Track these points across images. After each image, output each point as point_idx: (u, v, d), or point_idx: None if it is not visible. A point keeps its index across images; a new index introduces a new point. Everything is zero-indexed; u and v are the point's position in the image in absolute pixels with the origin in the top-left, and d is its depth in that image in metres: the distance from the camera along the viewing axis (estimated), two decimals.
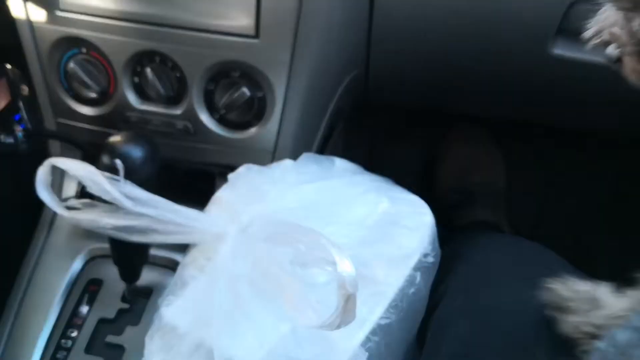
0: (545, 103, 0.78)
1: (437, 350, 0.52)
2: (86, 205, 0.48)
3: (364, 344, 0.45)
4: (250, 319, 0.44)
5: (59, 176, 0.69)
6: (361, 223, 0.51)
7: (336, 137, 0.83)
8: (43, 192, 0.48)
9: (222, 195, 0.54)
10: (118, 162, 0.49)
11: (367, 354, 0.45)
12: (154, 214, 0.46)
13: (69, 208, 0.49)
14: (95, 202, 0.48)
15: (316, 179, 0.54)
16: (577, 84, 0.70)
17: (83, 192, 0.69)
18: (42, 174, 0.48)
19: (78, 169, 0.47)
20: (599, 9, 0.59)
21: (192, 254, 0.52)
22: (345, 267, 0.37)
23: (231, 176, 0.56)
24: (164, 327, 0.47)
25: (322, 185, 0.53)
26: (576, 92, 0.72)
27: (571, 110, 0.80)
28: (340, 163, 0.58)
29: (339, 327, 0.38)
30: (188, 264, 0.51)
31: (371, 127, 1.10)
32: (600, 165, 1.09)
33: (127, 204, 0.45)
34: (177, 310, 0.47)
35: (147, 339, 0.49)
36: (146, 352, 0.48)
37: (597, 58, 0.64)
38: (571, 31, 0.63)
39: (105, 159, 0.51)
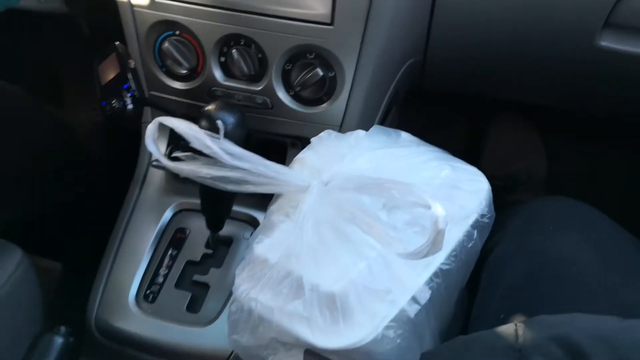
0: (591, 93, 0.84)
1: (494, 286, 0.58)
2: (188, 158, 0.55)
3: (427, 283, 0.52)
4: (332, 255, 0.51)
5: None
6: (427, 185, 0.57)
7: (391, 118, 0.90)
8: (151, 145, 0.54)
9: (305, 156, 0.62)
10: (220, 122, 0.56)
11: (430, 291, 0.52)
12: (247, 167, 0.53)
13: (173, 159, 0.56)
14: (196, 155, 0.55)
15: (386, 146, 0.62)
16: (622, 75, 0.75)
17: (171, 154, 0.79)
18: (151, 129, 0.55)
19: (184, 127, 0.54)
20: None
21: (279, 203, 0.59)
22: (438, 208, 0.45)
23: (314, 139, 0.63)
24: (255, 259, 0.55)
25: (392, 152, 0.60)
26: (621, 84, 0.77)
27: (615, 101, 0.85)
28: (406, 135, 0.66)
29: (426, 256, 0.45)
30: (275, 211, 0.59)
31: (423, 110, 1.17)
32: None
33: (225, 157, 0.53)
34: (267, 246, 0.55)
35: (237, 271, 0.57)
36: (237, 280, 0.56)
37: None
38: (619, 24, 0.68)
39: (204, 123, 0.59)
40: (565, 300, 0.52)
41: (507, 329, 0.42)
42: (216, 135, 0.55)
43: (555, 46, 0.73)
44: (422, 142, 0.65)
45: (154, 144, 0.55)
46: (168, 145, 0.79)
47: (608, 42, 0.69)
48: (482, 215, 0.58)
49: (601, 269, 0.55)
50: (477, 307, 0.59)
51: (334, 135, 0.64)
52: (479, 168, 1.11)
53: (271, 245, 0.55)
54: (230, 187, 0.55)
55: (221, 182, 0.55)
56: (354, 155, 0.59)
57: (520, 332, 0.41)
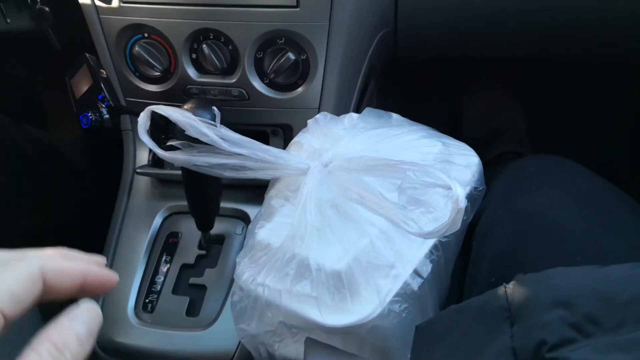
0: (558, 39, 0.83)
1: (483, 252, 0.59)
2: (184, 146, 0.54)
3: (428, 257, 0.53)
4: (336, 234, 0.52)
5: (133, 146, 0.79)
6: (423, 160, 0.58)
7: (370, 94, 0.90)
8: (144, 135, 0.53)
9: (301, 139, 0.62)
10: (215, 109, 0.55)
11: (431, 264, 0.53)
12: (246, 153, 0.53)
13: (166, 149, 0.54)
14: (191, 144, 0.54)
15: (379, 127, 0.62)
16: (585, 17, 0.75)
17: (155, 160, 0.79)
18: (143, 119, 0.53)
19: (178, 115, 0.52)
20: None
21: (277, 188, 0.59)
22: (457, 187, 0.45)
23: (310, 121, 0.63)
24: (257, 245, 0.55)
25: (386, 132, 0.61)
26: (588, 26, 0.77)
27: (583, 44, 0.85)
28: (397, 116, 0.66)
29: (445, 234, 0.45)
30: (274, 196, 0.59)
31: (402, 82, 1.18)
32: (621, 95, 1.15)
33: (223, 144, 0.52)
34: (269, 231, 0.55)
35: (238, 259, 0.56)
36: (239, 268, 0.55)
37: None
38: None
39: None
40: (551, 257, 0.53)
41: (496, 291, 0.43)
42: (212, 123, 0.54)
43: None
44: (413, 122, 0.66)
45: (147, 134, 0.54)
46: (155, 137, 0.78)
47: None
48: (475, 188, 0.59)
49: (583, 222, 0.56)
50: (470, 275, 0.60)
51: (329, 117, 0.64)
52: (461, 129, 1.14)
53: (273, 229, 0.55)
54: (228, 174, 0.55)
55: (219, 169, 0.54)
56: (351, 136, 0.59)
57: (509, 292, 0.42)
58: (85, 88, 0.67)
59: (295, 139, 0.63)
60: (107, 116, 0.66)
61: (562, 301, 0.39)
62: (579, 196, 0.59)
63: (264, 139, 0.77)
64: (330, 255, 0.51)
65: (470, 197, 0.59)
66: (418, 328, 0.48)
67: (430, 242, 0.54)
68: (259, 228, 0.56)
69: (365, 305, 0.50)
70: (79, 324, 0.31)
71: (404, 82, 1.19)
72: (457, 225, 0.45)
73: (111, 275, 0.35)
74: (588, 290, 0.39)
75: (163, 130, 0.60)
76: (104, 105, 0.66)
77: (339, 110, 0.74)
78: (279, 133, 0.76)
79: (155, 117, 0.55)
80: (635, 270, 0.40)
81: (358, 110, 0.83)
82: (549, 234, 0.56)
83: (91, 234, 0.79)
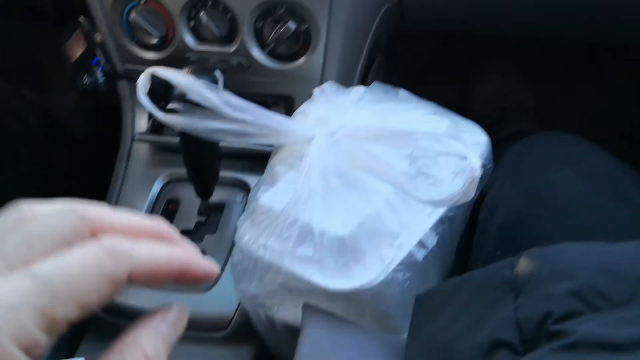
0: (566, 18, 0.82)
1: (490, 224, 0.58)
2: (185, 109, 0.51)
3: (433, 229, 0.52)
4: (340, 201, 0.51)
5: (131, 113, 0.78)
6: (432, 135, 0.55)
7: (376, 70, 0.88)
8: (143, 98, 0.50)
9: (307, 108, 0.60)
10: (218, 72, 0.54)
11: (436, 237, 0.52)
12: (249, 119, 0.51)
13: (167, 112, 0.52)
14: (193, 107, 0.51)
15: (387, 101, 0.60)
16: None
17: (154, 127, 0.77)
18: (142, 81, 0.51)
19: (180, 78, 0.50)
20: None
21: (281, 154, 0.58)
22: (472, 157, 0.44)
23: (316, 90, 0.62)
24: (259, 208, 0.54)
25: (393, 106, 0.59)
26: (596, 5, 0.75)
27: (594, 24, 0.84)
28: (404, 92, 0.64)
29: (457, 203, 0.45)
30: (277, 163, 0.57)
31: (410, 60, 1.16)
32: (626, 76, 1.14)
33: (226, 109, 0.50)
34: (272, 195, 0.54)
35: (239, 222, 0.55)
36: (240, 231, 0.54)
37: None
38: None
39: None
40: (562, 232, 0.52)
41: (502, 264, 0.42)
42: (214, 86, 0.52)
43: None
44: (421, 99, 0.64)
45: (147, 97, 0.51)
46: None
47: None
48: (484, 165, 0.57)
49: (595, 198, 0.55)
50: (475, 249, 0.59)
51: (336, 87, 0.62)
52: (470, 108, 1.13)
53: (275, 194, 0.54)
54: (230, 139, 0.52)
55: (220, 134, 0.52)
56: (358, 107, 0.58)
57: (515, 265, 0.40)
58: (80, 52, 0.66)
59: (300, 109, 0.62)
60: (102, 80, 0.64)
61: (570, 274, 0.38)
62: (589, 172, 0.58)
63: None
64: (334, 221, 0.50)
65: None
66: (418, 297, 0.48)
67: (437, 215, 0.53)
68: (261, 192, 0.55)
69: (368, 271, 0.50)
70: (174, 333, 0.25)
71: (413, 59, 1.17)
72: (471, 195, 0.44)
73: (212, 269, 0.27)
74: (597, 264, 0.38)
75: (161, 97, 0.58)
76: (98, 70, 0.64)
77: (342, 83, 0.72)
78: (280, 104, 0.75)
79: (154, 84, 0.53)
80: None
81: (363, 85, 0.81)
82: (560, 208, 0.55)
83: (88, 200, 0.78)
